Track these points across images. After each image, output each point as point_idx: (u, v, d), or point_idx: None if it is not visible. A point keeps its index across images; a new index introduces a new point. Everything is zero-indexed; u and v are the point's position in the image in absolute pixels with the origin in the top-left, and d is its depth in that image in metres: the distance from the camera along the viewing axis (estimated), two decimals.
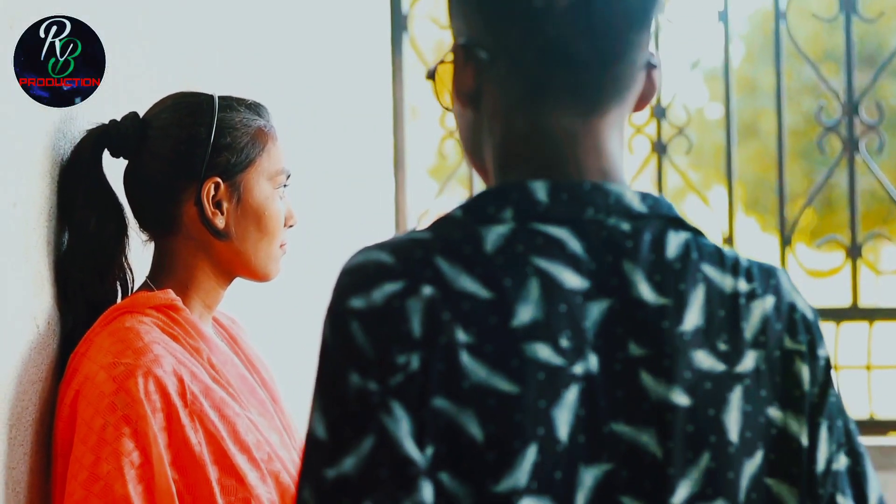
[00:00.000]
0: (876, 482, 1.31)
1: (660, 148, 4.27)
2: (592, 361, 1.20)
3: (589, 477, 1.20)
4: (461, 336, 1.17)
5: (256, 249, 2.00)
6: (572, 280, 1.21)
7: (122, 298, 2.00)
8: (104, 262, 1.98)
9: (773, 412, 1.26)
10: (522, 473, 1.17)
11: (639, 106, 1.32)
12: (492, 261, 1.20)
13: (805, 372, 1.28)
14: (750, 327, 1.26)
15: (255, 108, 2.05)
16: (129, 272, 2.03)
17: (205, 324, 2.04)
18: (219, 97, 2.03)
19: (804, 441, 1.27)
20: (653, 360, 1.22)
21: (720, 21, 4.20)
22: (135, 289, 2.03)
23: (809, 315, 1.30)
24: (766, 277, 1.29)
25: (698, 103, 14.75)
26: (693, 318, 1.24)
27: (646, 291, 1.23)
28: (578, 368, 1.20)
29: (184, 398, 1.86)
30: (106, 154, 2.00)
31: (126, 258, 2.02)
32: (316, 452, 1.17)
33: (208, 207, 1.97)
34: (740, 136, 4.35)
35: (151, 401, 1.82)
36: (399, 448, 1.14)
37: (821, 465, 1.28)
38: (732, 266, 1.27)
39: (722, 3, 4.20)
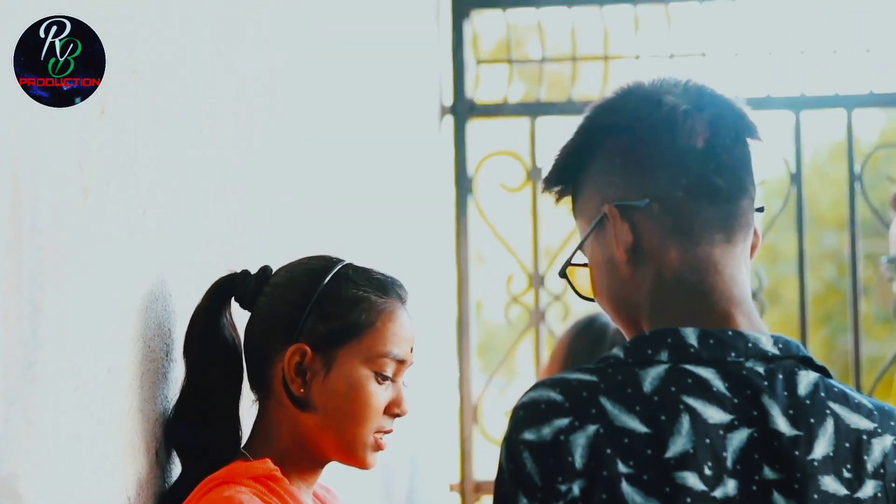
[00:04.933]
0: None
1: None
2: (730, 485, 1.42)
3: None
4: (622, 467, 1.40)
5: (343, 431, 1.89)
6: (716, 415, 1.44)
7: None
8: (213, 417, 1.90)
9: None
10: None
11: (751, 252, 1.55)
12: (649, 399, 1.43)
13: None
14: (871, 460, 1.47)
15: (382, 284, 1.94)
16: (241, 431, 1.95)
17: (304, 495, 1.94)
18: (345, 265, 1.95)
19: None
20: (785, 483, 1.43)
21: None
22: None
23: None
24: (887, 419, 1.50)
25: None
26: (822, 447, 1.45)
27: (781, 423, 1.44)
28: (718, 493, 1.41)
29: None
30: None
31: (238, 418, 1.95)
32: None
33: (288, 371, 1.89)
34: None
35: None
36: None
37: None
38: (857, 406, 1.49)
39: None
